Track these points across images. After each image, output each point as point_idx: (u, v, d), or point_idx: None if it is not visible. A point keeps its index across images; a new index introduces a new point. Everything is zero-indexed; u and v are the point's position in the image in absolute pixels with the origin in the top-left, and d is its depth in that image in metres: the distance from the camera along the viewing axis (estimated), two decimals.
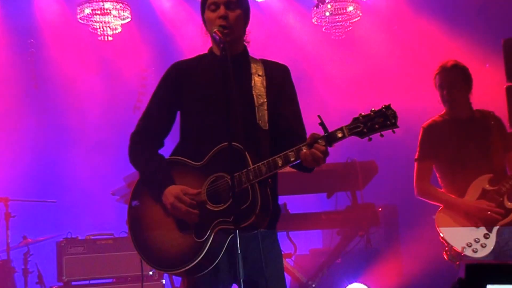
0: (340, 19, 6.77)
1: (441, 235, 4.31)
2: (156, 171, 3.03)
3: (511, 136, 4.46)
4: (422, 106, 4.64)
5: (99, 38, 6.52)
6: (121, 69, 7.37)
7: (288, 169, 3.01)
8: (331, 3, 6.67)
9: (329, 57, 7.55)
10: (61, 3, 7.23)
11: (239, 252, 2.62)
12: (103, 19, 6.44)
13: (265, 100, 3.04)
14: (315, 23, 6.92)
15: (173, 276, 5.12)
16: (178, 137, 3.17)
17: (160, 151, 3.16)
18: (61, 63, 7.27)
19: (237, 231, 2.63)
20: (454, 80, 4.40)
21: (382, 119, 2.81)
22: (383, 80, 7.30)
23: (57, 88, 7.31)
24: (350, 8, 6.71)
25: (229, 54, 2.86)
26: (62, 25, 7.21)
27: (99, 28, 6.47)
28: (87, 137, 7.24)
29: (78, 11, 6.36)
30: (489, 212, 4.22)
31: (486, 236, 4.20)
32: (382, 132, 2.84)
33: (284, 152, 2.88)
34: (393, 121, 2.81)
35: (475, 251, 4.18)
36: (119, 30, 6.57)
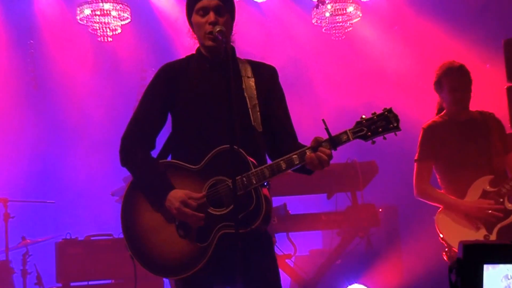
0: (340, 19, 6.76)
1: (441, 236, 4.29)
2: (155, 176, 2.99)
3: (511, 138, 4.46)
4: (422, 106, 4.62)
5: (99, 39, 6.51)
6: (121, 70, 7.36)
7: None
8: (331, 4, 6.67)
9: (329, 58, 7.55)
10: (60, 4, 7.23)
11: (240, 256, 2.62)
12: (103, 20, 6.43)
13: (257, 101, 3.03)
14: (315, 23, 6.92)
15: None
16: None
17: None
18: (61, 64, 7.26)
19: (239, 234, 2.62)
20: (465, 82, 4.37)
21: (385, 122, 2.87)
22: (383, 81, 7.29)
23: (56, 89, 7.30)
24: (350, 9, 6.70)
25: (222, 57, 2.87)
26: (61, 26, 7.20)
27: (99, 29, 6.46)
28: (86, 137, 7.23)
29: (78, 12, 6.35)
30: (489, 211, 4.20)
31: (486, 238, 4.19)
32: (385, 135, 2.89)
33: (288, 156, 2.88)
34: (396, 124, 2.88)
35: None
36: (119, 31, 6.57)
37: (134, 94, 7.16)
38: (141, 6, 7.27)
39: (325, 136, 2.88)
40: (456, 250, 4.19)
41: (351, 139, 2.86)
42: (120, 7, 6.36)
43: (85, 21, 6.43)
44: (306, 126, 6.78)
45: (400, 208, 6.43)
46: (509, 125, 4.55)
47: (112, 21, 6.43)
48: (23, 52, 7.15)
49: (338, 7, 6.66)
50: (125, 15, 6.43)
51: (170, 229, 2.96)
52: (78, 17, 6.40)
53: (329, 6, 6.67)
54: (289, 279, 5.60)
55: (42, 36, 7.24)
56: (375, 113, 2.89)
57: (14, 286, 5.68)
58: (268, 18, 7.67)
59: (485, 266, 2.15)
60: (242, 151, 2.87)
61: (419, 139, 4.50)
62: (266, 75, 3.15)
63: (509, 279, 2.19)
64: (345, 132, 2.86)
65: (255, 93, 3.04)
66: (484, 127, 4.42)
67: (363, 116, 2.88)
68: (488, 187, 4.29)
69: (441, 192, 4.44)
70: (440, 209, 4.39)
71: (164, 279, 5.58)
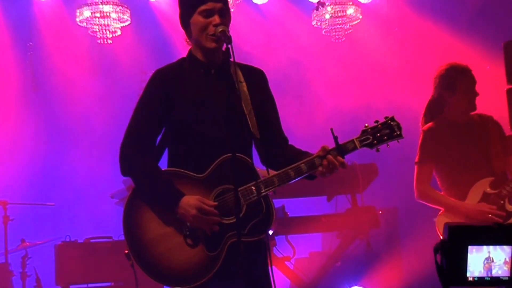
0: (340, 21, 6.75)
1: (442, 238, 4.28)
2: (162, 184, 2.94)
3: (511, 140, 4.46)
4: (422, 108, 4.61)
5: (99, 41, 6.50)
6: (121, 72, 7.35)
7: None
8: (331, 6, 6.66)
9: (329, 60, 7.54)
10: (60, 6, 7.21)
11: (243, 263, 2.65)
12: (103, 22, 6.41)
13: (251, 107, 3.02)
14: (315, 25, 6.91)
15: None
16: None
17: None
18: (60, 66, 7.25)
19: (242, 242, 2.67)
20: (475, 83, 4.40)
21: (389, 130, 2.98)
22: (384, 83, 7.29)
23: (56, 91, 7.29)
24: (350, 11, 6.69)
25: (218, 61, 2.87)
26: (61, 28, 7.19)
27: (99, 31, 6.44)
28: (85, 140, 7.22)
29: (78, 14, 6.33)
30: (490, 215, 4.20)
31: None
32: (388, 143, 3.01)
33: (296, 164, 2.92)
34: (399, 132, 3.00)
35: None
36: (119, 33, 6.55)
37: (133, 97, 7.13)
38: (141, 8, 7.26)
39: (328, 142, 2.92)
40: None
41: (358, 147, 2.96)
42: (120, 9, 6.35)
43: (85, 23, 6.42)
44: (306, 127, 6.81)
45: (400, 210, 6.42)
46: (509, 127, 4.54)
47: (112, 23, 6.41)
48: (23, 54, 7.13)
49: (338, 9, 6.65)
50: (125, 17, 6.42)
51: (178, 238, 2.93)
52: (77, 19, 6.38)
53: (329, 8, 6.66)
54: (289, 281, 5.60)
55: (41, 38, 7.23)
56: (378, 121, 3.00)
57: None
58: (268, 20, 7.66)
59: (470, 249, 2.22)
60: (248, 159, 2.89)
61: (420, 141, 4.49)
62: (257, 80, 3.14)
63: (490, 262, 2.25)
64: (352, 141, 2.95)
65: (249, 98, 3.03)
66: (483, 129, 4.43)
67: (367, 125, 2.98)
68: (488, 189, 4.28)
69: (441, 194, 4.43)
70: (441, 211, 4.38)
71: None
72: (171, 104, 3.02)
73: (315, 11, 6.80)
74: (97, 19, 6.35)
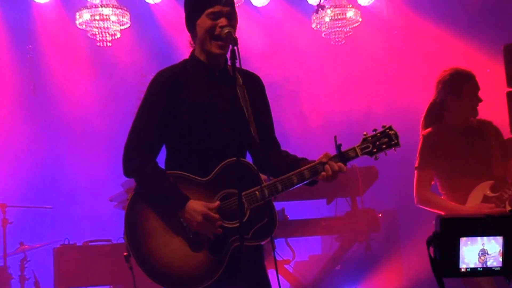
0: (340, 24, 6.75)
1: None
2: (167, 187, 2.93)
3: (510, 144, 4.45)
4: (422, 111, 4.60)
5: (98, 44, 6.49)
6: (120, 75, 7.34)
7: None
8: (331, 9, 6.66)
9: (329, 63, 7.54)
10: (59, 8, 7.21)
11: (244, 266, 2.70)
12: (102, 25, 6.41)
13: (250, 111, 3.03)
14: (315, 28, 6.91)
15: None
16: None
17: None
18: (59, 68, 7.24)
19: (244, 246, 2.68)
20: (479, 88, 4.40)
21: (387, 139, 3.06)
22: (383, 85, 7.28)
23: (55, 94, 7.28)
24: (350, 14, 6.69)
25: (221, 64, 2.87)
26: (60, 31, 7.18)
27: (98, 33, 6.44)
28: (85, 143, 7.21)
29: (77, 16, 6.33)
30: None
31: None
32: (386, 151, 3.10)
33: (299, 170, 2.95)
34: (396, 141, 3.07)
35: None
36: (118, 35, 6.55)
37: (133, 99, 7.14)
38: (140, 11, 7.26)
39: (326, 145, 2.95)
40: None
41: (360, 155, 3.04)
42: (120, 12, 6.35)
43: (84, 26, 6.41)
44: (305, 130, 6.80)
45: (400, 213, 6.41)
46: (510, 130, 4.53)
47: (112, 26, 6.41)
48: (22, 57, 7.13)
49: (338, 12, 6.65)
50: (125, 20, 6.42)
51: (182, 241, 2.93)
52: (77, 22, 6.38)
53: (329, 11, 6.66)
54: (288, 284, 5.59)
55: (40, 41, 7.23)
56: (376, 130, 3.07)
57: None
58: (268, 23, 7.66)
59: (464, 242, 2.23)
60: (251, 164, 2.91)
61: (419, 146, 4.48)
62: (256, 86, 3.16)
63: (485, 254, 2.25)
64: (354, 149, 3.03)
65: (249, 103, 3.03)
66: (483, 134, 4.43)
67: (366, 133, 3.05)
68: (489, 193, 4.27)
69: (442, 198, 4.42)
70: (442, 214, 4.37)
71: None
72: (174, 105, 3.01)
73: (315, 13, 6.80)
74: (96, 22, 6.35)
